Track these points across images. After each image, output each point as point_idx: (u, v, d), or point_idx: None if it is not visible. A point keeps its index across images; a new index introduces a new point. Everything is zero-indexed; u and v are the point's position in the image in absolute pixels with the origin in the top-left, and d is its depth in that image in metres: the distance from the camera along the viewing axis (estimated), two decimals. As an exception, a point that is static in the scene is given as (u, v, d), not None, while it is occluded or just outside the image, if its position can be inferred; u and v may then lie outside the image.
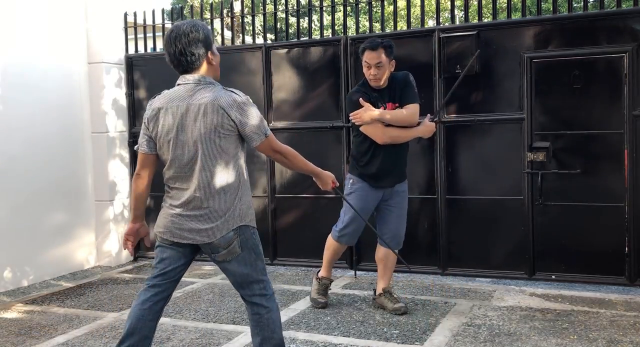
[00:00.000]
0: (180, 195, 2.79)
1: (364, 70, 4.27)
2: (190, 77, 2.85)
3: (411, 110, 4.24)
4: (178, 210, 2.79)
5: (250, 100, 2.80)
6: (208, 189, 2.73)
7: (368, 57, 4.19)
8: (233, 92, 2.77)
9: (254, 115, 2.76)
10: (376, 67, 4.18)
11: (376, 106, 4.24)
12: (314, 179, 3.25)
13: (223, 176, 2.74)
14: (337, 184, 3.32)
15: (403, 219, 4.47)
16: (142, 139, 2.93)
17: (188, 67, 2.85)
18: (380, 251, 4.53)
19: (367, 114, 4.18)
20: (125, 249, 3.16)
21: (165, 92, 2.91)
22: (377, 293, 4.56)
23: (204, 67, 2.85)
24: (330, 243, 4.65)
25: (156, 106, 2.87)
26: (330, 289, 4.76)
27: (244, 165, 2.85)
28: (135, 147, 3.00)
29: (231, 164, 2.76)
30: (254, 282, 2.84)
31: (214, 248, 2.78)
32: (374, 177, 4.33)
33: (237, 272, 2.82)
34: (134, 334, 2.84)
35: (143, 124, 2.90)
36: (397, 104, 4.27)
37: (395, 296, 4.48)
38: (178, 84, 2.90)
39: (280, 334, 2.87)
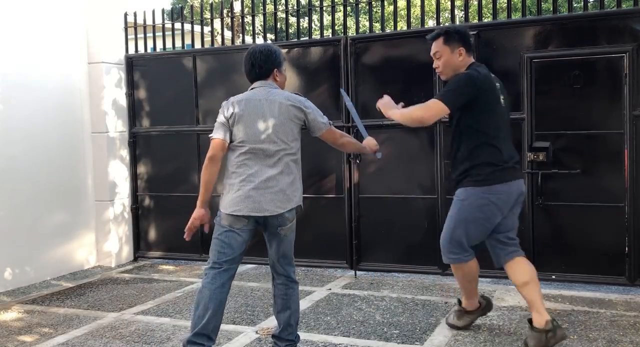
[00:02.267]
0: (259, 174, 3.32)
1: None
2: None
3: (421, 107, 3.60)
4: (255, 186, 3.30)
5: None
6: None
7: (431, 49, 3.76)
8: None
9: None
10: (436, 59, 3.72)
11: None
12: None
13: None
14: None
15: (448, 222, 3.79)
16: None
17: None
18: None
19: (387, 104, 3.92)
20: (186, 237, 3.46)
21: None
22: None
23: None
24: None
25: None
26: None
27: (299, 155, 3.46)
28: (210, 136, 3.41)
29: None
30: (293, 258, 3.48)
31: (283, 221, 3.33)
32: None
33: (289, 247, 3.43)
34: (216, 315, 3.28)
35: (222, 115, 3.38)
36: None
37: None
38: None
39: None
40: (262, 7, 6.13)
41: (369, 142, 3.81)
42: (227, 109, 3.37)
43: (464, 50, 3.67)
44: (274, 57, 3.46)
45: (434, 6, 7.15)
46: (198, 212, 3.38)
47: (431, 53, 3.78)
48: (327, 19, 9.45)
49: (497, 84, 3.70)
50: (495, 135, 3.58)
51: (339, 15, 14.74)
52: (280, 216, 3.32)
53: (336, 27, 6.66)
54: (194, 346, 3.22)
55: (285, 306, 3.47)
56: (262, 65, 3.44)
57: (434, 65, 3.80)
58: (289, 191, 3.34)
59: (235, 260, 3.39)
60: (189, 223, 3.41)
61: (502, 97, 3.67)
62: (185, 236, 3.44)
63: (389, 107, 3.85)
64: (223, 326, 4.20)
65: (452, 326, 4.03)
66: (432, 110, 3.53)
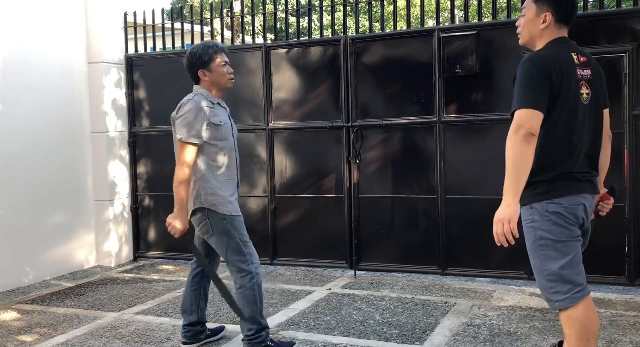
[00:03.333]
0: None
1: None
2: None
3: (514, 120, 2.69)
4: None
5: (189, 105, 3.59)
6: None
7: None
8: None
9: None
10: (522, 16, 2.90)
11: None
12: None
13: None
14: None
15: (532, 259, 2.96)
16: None
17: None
18: None
19: None
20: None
21: None
22: None
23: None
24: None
25: None
26: None
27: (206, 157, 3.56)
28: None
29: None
30: (227, 262, 3.61)
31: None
32: None
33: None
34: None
35: None
36: None
37: None
38: None
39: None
40: (262, 7, 6.13)
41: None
42: None
43: (550, 18, 2.77)
44: (194, 60, 3.54)
45: (434, 6, 7.15)
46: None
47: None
48: (327, 19, 9.45)
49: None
50: None
51: (339, 15, 14.74)
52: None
53: (336, 27, 6.66)
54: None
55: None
56: (188, 72, 3.62)
57: (517, 24, 2.96)
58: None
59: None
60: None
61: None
62: None
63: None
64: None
65: None
66: (520, 120, 2.68)
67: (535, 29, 2.82)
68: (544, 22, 2.79)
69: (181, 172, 3.44)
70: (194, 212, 3.51)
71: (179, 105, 3.60)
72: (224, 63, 3.58)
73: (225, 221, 3.48)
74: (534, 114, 2.59)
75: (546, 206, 2.75)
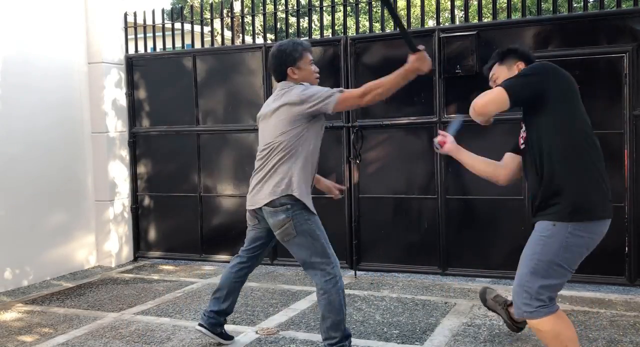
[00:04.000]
0: None
1: None
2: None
3: (487, 95, 2.99)
4: None
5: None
6: None
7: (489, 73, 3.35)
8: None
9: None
10: (494, 82, 3.29)
11: None
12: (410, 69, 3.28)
13: None
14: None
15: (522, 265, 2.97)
16: None
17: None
18: None
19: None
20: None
21: None
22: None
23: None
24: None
25: None
26: None
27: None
28: None
29: None
30: (310, 264, 3.46)
31: (272, 224, 3.46)
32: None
33: (297, 253, 3.46)
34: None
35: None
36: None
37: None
38: None
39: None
40: (262, 7, 6.13)
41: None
42: None
43: (522, 64, 3.16)
44: (283, 57, 3.45)
45: (434, 6, 7.15)
46: None
47: (490, 78, 3.33)
48: (327, 19, 9.44)
49: None
50: None
51: (339, 15, 14.73)
52: (266, 216, 3.39)
53: (336, 27, 6.66)
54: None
55: (318, 309, 3.43)
56: (275, 69, 3.50)
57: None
58: (265, 188, 3.37)
59: (247, 250, 3.71)
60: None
61: None
62: None
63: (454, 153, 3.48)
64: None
65: None
66: (490, 96, 3.00)
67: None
68: (518, 69, 3.10)
69: (372, 86, 3.30)
70: (274, 203, 3.30)
71: (280, 94, 3.44)
72: (311, 61, 3.53)
73: (310, 220, 3.34)
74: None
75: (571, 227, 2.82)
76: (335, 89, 3.33)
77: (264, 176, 3.39)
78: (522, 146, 3.10)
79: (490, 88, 3.11)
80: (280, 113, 3.35)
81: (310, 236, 3.31)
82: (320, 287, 3.32)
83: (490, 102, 2.91)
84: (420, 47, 3.24)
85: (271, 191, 3.31)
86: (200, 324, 3.77)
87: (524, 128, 3.04)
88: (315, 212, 3.39)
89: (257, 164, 3.49)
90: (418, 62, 3.21)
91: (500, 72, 3.23)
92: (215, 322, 3.76)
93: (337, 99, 3.27)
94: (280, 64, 3.46)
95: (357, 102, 3.32)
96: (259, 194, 3.39)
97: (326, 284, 3.30)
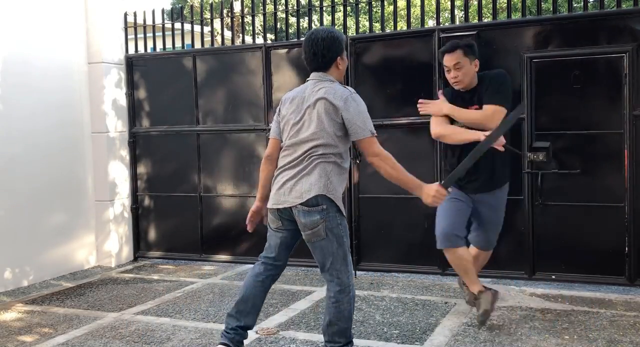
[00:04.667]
0: None
1: (446, 75, 4.08)
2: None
3: (485, 111, 3.87)
4: None
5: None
6: None
7: (446, 60, 3.98)
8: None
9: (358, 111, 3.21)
10: (455, 69, 3.95)
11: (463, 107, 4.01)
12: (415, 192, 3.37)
13: None
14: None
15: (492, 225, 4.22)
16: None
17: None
18: (473, 250, 4.33)
19: (435, 106, 4.05)
20: (249, 228, 3.52)
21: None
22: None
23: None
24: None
25: None
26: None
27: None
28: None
29: None
30: (332, 268, 3.32)
31: (304, 224, 3.23)
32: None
33: (319, 255, 3.30)
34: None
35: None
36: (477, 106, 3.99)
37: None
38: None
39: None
40: (262, 7, 6.13)
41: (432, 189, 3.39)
42: (279, 108, 3.38)
43: (477, 62, 4.02)
44: (337, 43, 3.20)
45: (434, 6, 7.15)
46: (255, 206, 3.47)
47: (450, 64, 3.98)
48: (327, 19, 9.44)
49: None
50: None
51: (339, 15, 14.72)
52: (297, 215, 3.15)
53: (336, 27, 6.66)
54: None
55: (326, 313, 3.26)
56: (325, 55, 3.18)
57: (452, 76, 4.01)
58: (300, 186, 3.14)
59: (273, 258, 3.41)
60: (248, 216, 3.48)
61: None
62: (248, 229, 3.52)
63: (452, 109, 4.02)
64: (223, 326, 4.21)
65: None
66: (495, 114, 3.89)
67: (473, 73, 4.00)
68: (476, 66, 4.01)
69: (389, 159, 3.31)
70: (310, 202, 3.10)
71: (340, 99, 3.14)
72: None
73: (341, 225, 3.20)
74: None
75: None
76: (371, 128, 3.20)
77: (299, 171, 3.17)
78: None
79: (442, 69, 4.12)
80: (322, 110, 3.14)
81: (337, 241, 3.18)
82: (333, 295, 3.20)
83: (498, 118, 3.83)
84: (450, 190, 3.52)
85: (307, 188, 3.12)
86: (223, 344, 3.33)
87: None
88: (345, 216, 3.28)
89: (287, 158, 3.24)
90: (431, 198, 3.33)
91: (465, 63, 3.93)
92: (241, 337, 3.37)
93: (366, 138, 3.19)
94: (332, 51, 3.19)
95: (368, 154, 3.24)
96: (292, 193, 3.16)
97: (339, 294, 3.19)
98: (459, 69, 3.94)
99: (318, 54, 3.19)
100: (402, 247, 5.58)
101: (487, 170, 3.98)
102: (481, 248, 4.32)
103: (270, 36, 9.44)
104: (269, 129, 5.99)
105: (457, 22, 6.15)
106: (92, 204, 6.37)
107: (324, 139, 3.14)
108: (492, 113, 3.83)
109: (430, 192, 3.28)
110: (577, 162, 4.94)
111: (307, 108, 3.18)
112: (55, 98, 5.96)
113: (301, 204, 3.12)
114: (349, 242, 3.28)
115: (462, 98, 4.03)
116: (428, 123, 5.36)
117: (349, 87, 3.25)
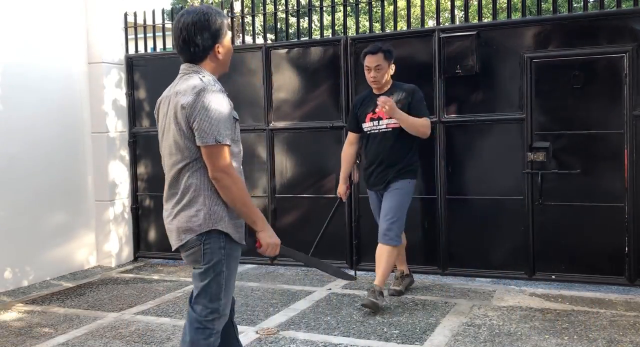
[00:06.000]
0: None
1: (365, 74, 4.52)
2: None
3: (427, 122, 4.49)
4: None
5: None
6: None
7: (368, 60, 4.47)
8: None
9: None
10: (376, 70, 4.45)
11: (371, 108, 4.54)
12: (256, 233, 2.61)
13: None
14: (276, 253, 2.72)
15: (388, 211, 4.50)
16: None
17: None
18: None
19: (390, 103, 4.37)
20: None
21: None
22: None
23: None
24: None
25: None
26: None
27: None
28: None
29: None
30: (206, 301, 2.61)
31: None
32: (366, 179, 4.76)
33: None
34: None
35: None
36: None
37: (379, 293, 4.43)
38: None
39: None
40: (262, 7, 6.13)
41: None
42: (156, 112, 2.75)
43: (394, 67, 4.58)
44: (214, 27, 2.54)
45: (434, 6, 7.15)
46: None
47: (372, 64, 4.45)
48: (327, 19, 9.43)
49: None
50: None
51: (339, 15, 14.73)
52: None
53: (336, 27, 6.66)
54: None
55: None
56: (190, 44, 2.56)
57: (372, 75, 4.48)
58: (180, 219, 2.54)
59: None
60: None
61: None
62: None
63: (393, 112, 4.38)
64: (223, 326, 4.22)
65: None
66: (429, 127, 4.53)
67: (388, 77, 4.55)
68: (392, 71, 4.58)
69: (239, 181, 2.49)
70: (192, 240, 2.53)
71: (187, 92, 2.53)
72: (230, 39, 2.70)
73: (224, 250, 2.54)
74: None
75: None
76: (218, 135, 2.46)
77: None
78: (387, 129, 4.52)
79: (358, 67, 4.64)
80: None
81: (214, 269, 2.59)
82: (189, 332, 2.60)
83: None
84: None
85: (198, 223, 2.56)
86: None
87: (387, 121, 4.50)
88: (239, 241, 2.66)
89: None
90: (267, 243, 2.61)
91: (385, 66, 4.45)
92: None
93: (208, 146, 2.46)
94: (206, 38, 2.53)
95: (211, 168, 2.46)
96: None
97: (198, 334, 2.58)
98: (379, 70, 4.45)
99: (189, 42, 2.55)
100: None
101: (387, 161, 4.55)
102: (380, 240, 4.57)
103: (270, 36, 9.45)
104: (270, 129, 6.04)
105: (457, 22, 6.15)
106: (92, 204, 6.36)
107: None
108: (426, 122, 4.49)
109: (272, 239, 2.62)
110: (577, 162, 4.94)
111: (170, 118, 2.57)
112: (55, 98, 5.96)
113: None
114: (234, 275, 2.68)
115: (375, 99, 4.51)
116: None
117: (212, 78, 2.57)
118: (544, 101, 5.01)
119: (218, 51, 2.59)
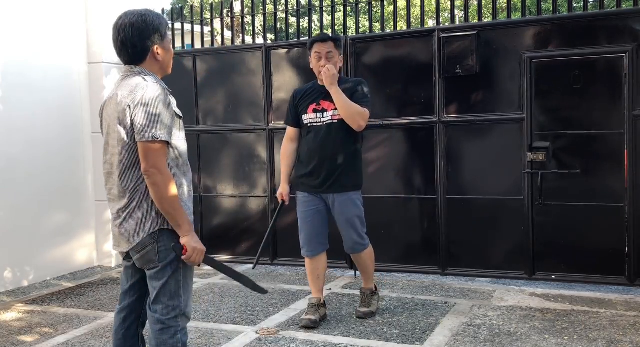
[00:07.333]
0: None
1: (314, 63, 4.19)
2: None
3: (362, 110, 4.05)
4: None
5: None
6: None
7: (321, 47, 4.15)
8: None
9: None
10: (326, 58, 4.13)
11: (314, 99, 4.20)
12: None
13: None
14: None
15: (354, 222, 4.30)
16: None
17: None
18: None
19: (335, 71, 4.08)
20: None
21: None
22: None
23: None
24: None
25: None
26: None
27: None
28: None
29: None
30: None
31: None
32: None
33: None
34: None
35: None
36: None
37: (365, 298, 4.42)
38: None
39: None
40: (262, 7, 6.14)
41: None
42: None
43: (342, 58, 4.33)
44: (151, 29, 2.57)
45: (434, 6, 7.16)
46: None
47: (323, 50, 4.13)
48: (327, 19, 9.44)
49: None
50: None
51: (339, 15, 14.74)
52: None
53: (336, 27, 6.66)
54: None
55: None
56: (131, 45, 2.60)
57: (321, 64, 4.12)
58: (131, 221, 2.61)
59: (126, 296, 2.85)
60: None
61: None
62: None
63: (334, 82, 4.08)
64: (223, 326, 4.23)
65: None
66: (365, 116, 4.10)
67: (338, 67, 4.16)
68: (341, 62, 4.25)
69: (170, 181, 2.47)
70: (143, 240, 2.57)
71: (128, 91, 2.54)
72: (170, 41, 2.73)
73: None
74: None
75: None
76: (156, 132, 2.46)
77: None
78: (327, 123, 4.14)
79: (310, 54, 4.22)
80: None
81: (170, 267, 2.66)
82: (154, 336, 2.69)
83: (365, 119, 4.10)
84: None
85: (146, 225, 2.63)
86: None
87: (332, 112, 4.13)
88: None
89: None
90: (192, 248, 2.59)
91: (335, 55, 4.17)
92: None
93: (144, 142, 2.47)
94: (144, 38, 2.57)
95: (144, 164, 2.45)
96: None
97: (163, 334, 2.67)
98: (330, 58, 4.16)
99: (127, 44, 2.61)
100: (402, 247, 5.58)
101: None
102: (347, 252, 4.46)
103: (270, 36, 9.45)
104: (270, 129, 6.04)
105: (457, 22, 6.16)
106: (92, 204, 6.36)
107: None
108: (365, 114, 4.08)
109: (197, 244, 2.62)
110: (577, 162, 4.94)
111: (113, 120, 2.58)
112: (55, 98, 5.96)
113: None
114: (191, 272, 2.79)
115: (320, 90, 4.21)
116: (428, 123, 5.40)
117: (153, 78, 2.60)
118: (544, 101, 5.01)
119: (157, 53, 2.62)
